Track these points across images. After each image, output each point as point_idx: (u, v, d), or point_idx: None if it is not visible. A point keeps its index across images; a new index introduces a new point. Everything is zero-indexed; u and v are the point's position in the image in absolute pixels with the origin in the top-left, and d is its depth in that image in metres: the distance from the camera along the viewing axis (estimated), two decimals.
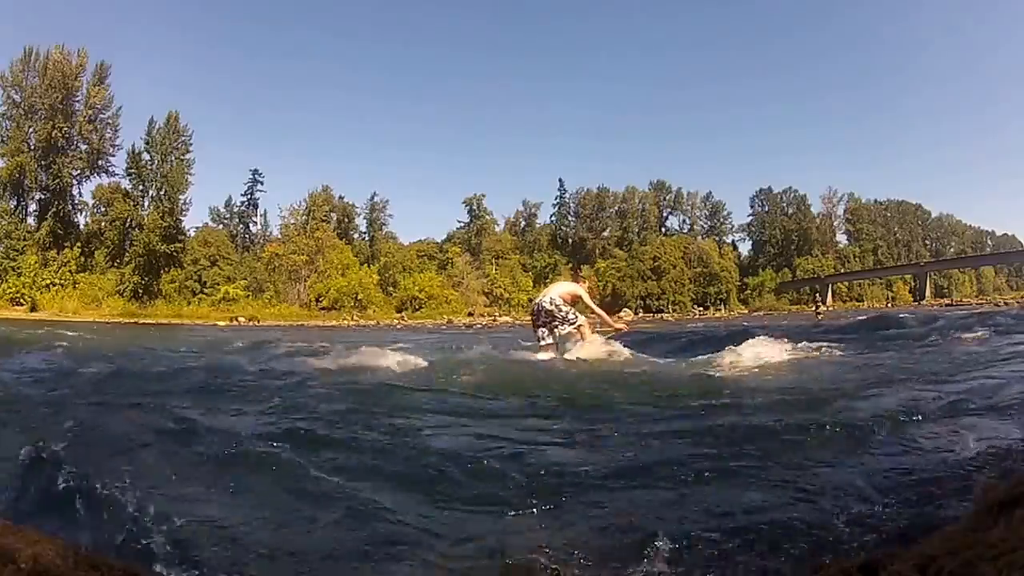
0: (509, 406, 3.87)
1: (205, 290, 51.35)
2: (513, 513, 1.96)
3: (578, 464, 2.41)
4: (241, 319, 44.63)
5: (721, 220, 73.44)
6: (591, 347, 6.77)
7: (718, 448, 2.57)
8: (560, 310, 6.98)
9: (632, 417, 3.31)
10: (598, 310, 7.50)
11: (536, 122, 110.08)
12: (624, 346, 6.87)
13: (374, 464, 2.47)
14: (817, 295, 60.23)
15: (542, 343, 7.02)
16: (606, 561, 1.62)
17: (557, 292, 7.24)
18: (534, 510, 1.97)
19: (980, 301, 53.32)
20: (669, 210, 73.24)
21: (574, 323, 6.96)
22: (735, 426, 2.90)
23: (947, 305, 49.18)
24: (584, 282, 7.81)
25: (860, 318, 14.46)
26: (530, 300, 9.43)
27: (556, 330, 7.02)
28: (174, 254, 49.53)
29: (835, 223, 74.78)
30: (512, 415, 3.56)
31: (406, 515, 1.94)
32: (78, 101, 48.57)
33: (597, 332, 7.31)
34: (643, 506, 2.00)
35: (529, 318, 7.66)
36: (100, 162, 50.04)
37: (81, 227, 50.72)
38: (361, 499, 2.05)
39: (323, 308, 52.81)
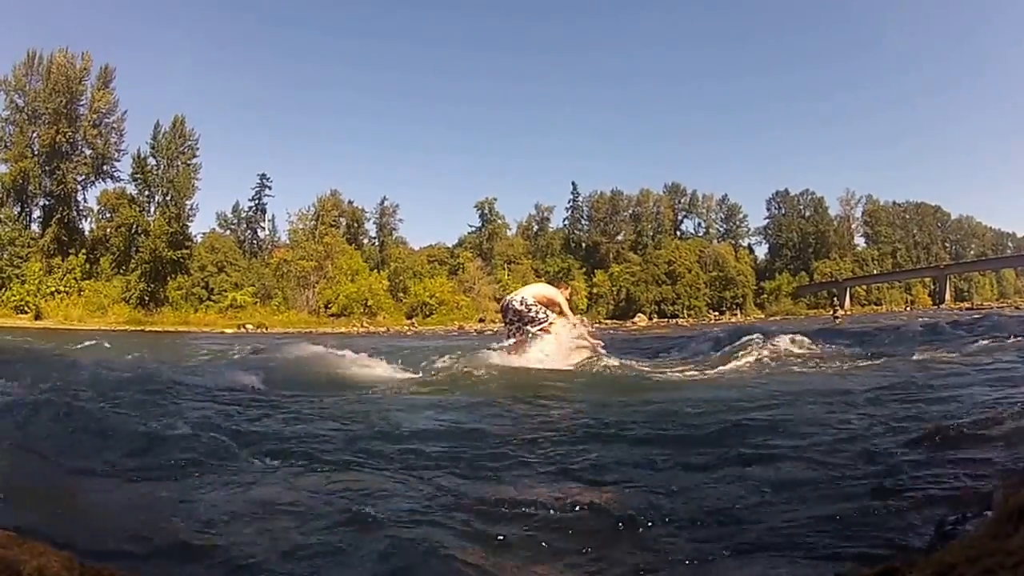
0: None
1: (212, 297, 50.59)
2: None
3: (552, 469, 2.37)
4: (249, 326, 43.93)
5: (737, 223, 71.85)
6: (558, 348, 6.58)
7: (709, 450, 2.53)
8: (530, 309, 6.73)
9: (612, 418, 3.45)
10: (575, 320, 7.27)
11: (548, 124, 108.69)
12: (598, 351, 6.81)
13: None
14: (835, 299, 59.34)
15: (507, 342, 6.75)
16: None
17: (530, 292, 7.01)
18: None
19: (1001, 304, 52.18)
20: (684, 213, 71.73)
21: (543, 323, 6.70)
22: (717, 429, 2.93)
23: (967, 309, 48.06)
24: (566, 288, 7.57)
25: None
26: (499, 299, 8.82)
27: (523, 329, 6.74)
28: (181, 260, 48.71)
29: (853, 225, 73.15)
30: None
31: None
32: (82, 105, 47.76)
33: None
34: (645, 511, 1.94)
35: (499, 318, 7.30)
36: (105, 167, 49.19)
37: (86, 233, 49.81)
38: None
39: (332, 315, 52.22)
